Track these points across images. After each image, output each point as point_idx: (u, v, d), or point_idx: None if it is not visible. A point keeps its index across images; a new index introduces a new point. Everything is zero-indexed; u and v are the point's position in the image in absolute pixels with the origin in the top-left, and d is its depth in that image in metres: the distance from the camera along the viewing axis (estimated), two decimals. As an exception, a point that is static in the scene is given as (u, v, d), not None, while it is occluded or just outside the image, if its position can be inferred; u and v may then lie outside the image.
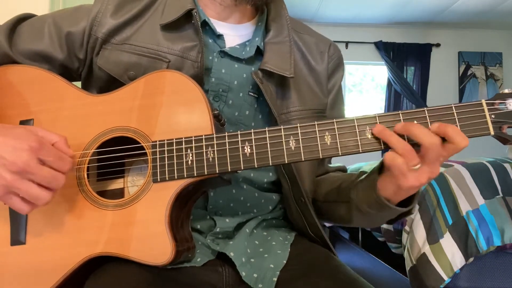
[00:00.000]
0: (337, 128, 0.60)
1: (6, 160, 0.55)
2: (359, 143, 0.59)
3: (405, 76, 4.92)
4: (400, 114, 0.59)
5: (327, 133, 0.60)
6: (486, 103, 0.58)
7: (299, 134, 0.61)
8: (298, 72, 0.81)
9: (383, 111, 4.91)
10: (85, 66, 0.77)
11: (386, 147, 0.59)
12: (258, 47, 0.78)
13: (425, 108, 0.59)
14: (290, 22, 0.82)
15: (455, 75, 5.03)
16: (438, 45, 5.05)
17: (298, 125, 0.61)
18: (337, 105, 0.88)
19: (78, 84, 0.78)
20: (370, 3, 4.41)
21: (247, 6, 0.79)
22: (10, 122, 0.69)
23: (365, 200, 0.68)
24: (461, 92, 4.97)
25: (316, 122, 0.61)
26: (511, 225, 1.53)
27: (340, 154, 0.60)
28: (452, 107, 0.58)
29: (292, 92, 0.79)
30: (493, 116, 0.57)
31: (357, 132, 0.60)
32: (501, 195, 1.60)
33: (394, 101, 4.91)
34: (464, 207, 1.57)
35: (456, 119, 0.58)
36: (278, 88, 0.78)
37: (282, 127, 0.61)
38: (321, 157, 0.60)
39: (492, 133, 0.57)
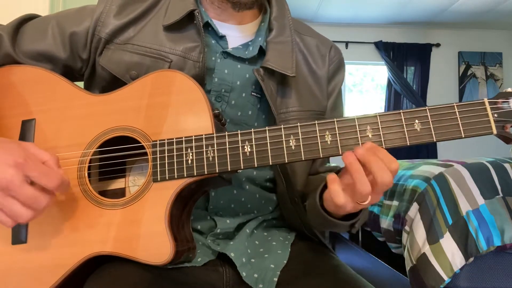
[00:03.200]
0: (337, 127, 0.60)
1: None
2: (360, 143, 0.59)
3: (405, 76, 4.92)
4: (402, 113, 0.59)
5: (327, 132, 0.60)
6: (488, 102, 0.57)
7: (299, 133, 0.61)
8: (299, 73, 0.81)
9: (383, 111, 4.93)
10: (88, 66, 0.78)
11: (388, 147, 0.59)
12: (261, 47, 0.78)
13: (426, 107, 0.59)
14: (292, 23, 0.82)
15: (455, 75, 5.03)
16: (438, 45, 5.05)
17: (299, 124, 0.61)
18: (338, 107, 0.88)
19: (80, 84, 0.78)
20: (370, 3, 4.41)
21: (247, 11, 0.79)
22: (12, 122, 0.70)
23: (312, 209, 0.69)
24: (461, 92, 4.97)
25: (316, 122, 0.61)
26: (511, 225, 1.53)
27: (340, 154, 0.59)
28: (454, 106, 0.58)
29: (292, 92, 0.79)
30: (495, 115, 0.57)
31: (358, 131, 0.59)
32: (501, 195, 1.60)
33: (394, 101, 4.91)
34: (464, 207, 1.57)
35: (458, 118, 0.57)
36: (278, 87, 0.78)
37: (282, 126, 0.61)
38: (321, 156, 0.60)
39: (495, 132, 0.57)
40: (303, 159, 0.60)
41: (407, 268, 1.62)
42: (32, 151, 0.60)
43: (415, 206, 1.66)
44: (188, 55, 0.74)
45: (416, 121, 0.58)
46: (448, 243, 1.52)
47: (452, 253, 1.51)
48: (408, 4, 4.41)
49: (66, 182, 0.61)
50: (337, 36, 4.80)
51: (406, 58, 4.96)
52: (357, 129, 0.60)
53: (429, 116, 0.58)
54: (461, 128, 0.57)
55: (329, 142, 0.60)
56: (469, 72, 5.01)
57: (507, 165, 1.70)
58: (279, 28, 0.80)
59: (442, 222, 1.56)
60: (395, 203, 1.86)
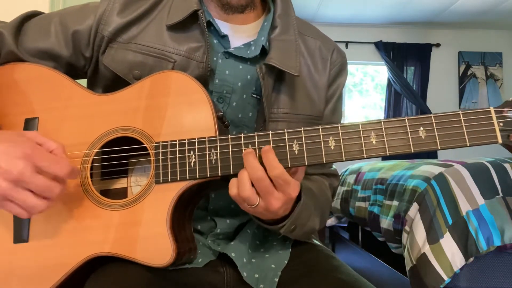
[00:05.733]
0: (341, 132, 0.59)
1: (1, 169, 0.54)
2: (364, 149, 0.59)
3: (405, 76, 4.91)
4: (406, 120, 0.58)
5: (331, 138, 0.60)
6: (494, 110, 0.57)
7: (303, 138, 0.60)
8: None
9: (383, 111, 4.92)
10: (91, 64, 0.77)
11: (392, 153, 0.59)
12: (263, 47, 0.76)
13: (431, 115, 0.58)
14: (296, 23, 0.81)
15: (455, 75, 5.02)
16: (438, 45, 5.04)
17: (302, 128, 0.60)
18: (337, 111, 0.87)
19: (84, 81, 0.78)
20: (370, 3, 4.41)
21: (238, 13, 0.78)
22: (15, 120, 0.70)
23: None
24: (461, 92, 4.97)
25: (320, 126, 0.60)
26: (511, 225, 1.53)
27: (344, 159, 0.59)
28: (459, 114, 0.57)
29: (287, 93, 0.78)
30: (501, 124, 0.56)
31: (362, 137, 0.59)
32: (501, 195, 1.60)
33: (394, 101, 4.90)
34: (464, 207, 1.57)
35: (463, 126, 0.57)
36: (275, 86, 0.77)
37: (286, 130, 0.61)
38: (324, 161, 0.60)
39: (500, 141, 0.57)
40: (306, 164, 0.60)
41: (407, 268, 1.63)
42: (39, 140, 0.60)
43: (415, 206, 1.66)
44: (192, 55, 0.73)
45: (421, 128, 0.58)
46: (448, 243, 1.52)
47: (452, 253, 1.51)
48: (408, 4, 4.41)
49: (76, 169, 0.61)
50: (337, 36, 4.79)
51: (406, 58, 4.96)
52: (361, 135, 0.59)
53: (434, 123, 0.58)
54: (466, 137, 0.57)
55: (332, 148, 0.59)
56: (469, 72, 5.00)
57: (507, 165, 1.70)
58: (283, 27, 0.79)
59: (442, 222, 1.56)
60: (395, 203, 1.86)
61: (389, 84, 4.94)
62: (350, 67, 5.05)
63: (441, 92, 4.95)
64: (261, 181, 0.59)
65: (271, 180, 0.59)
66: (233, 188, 0.60)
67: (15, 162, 0.55)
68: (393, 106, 4.88)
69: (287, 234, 0.69)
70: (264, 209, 0.61)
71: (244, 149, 0.61)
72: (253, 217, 0.68)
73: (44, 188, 0.57)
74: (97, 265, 0.65)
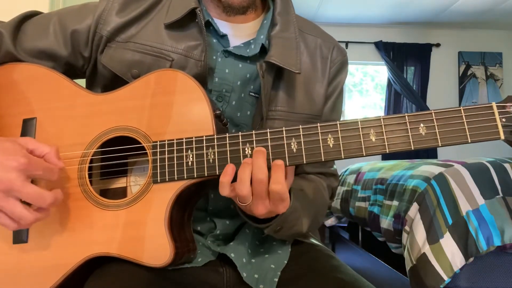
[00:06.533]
0: (340, 130, 0.59)
1: None
2: (363, 146, 0.58)
3: (405, 76, 4.91)
4: (406, 117, 0.58)
5: (329, 136, 0.59)
6: (496, 106, 0.56)
7: (301, 136, 0.60)
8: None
9: (383, 111, 4.92)
10: (90, 64, 0.77)
11: (392, 151, 0.58)
12: (263, 45, 0.76)
13: (432, 111, 0.57)
14: (296, 21, 0.80)
15: (455, 75, 5.02)
16: (438, 45, 5.04)
17: (300, 126, 0.60)
18: (337, 108, 0.86)
19: (82, 81, 0.78)
20: (370, 3, 4.41)
21: (240, 15, 0.77)
22: (13, 121, 0.70)
23: None
24: (461, 92, 4.96)
25: (318, 124, 0.60)
26: (511, 225, 1.53)
27: (342, 157, 0.58)
28: (461, 109, 0.56)
29: (286, 92, 0.77)
30: (503, 119, 0.55)
31: (361, 135, 0.58)
32: (501, 195, 1.60)
33: (394, 101, 4.90)
34: (464, 207, 1.57)
35: (465, 123, 0.56)
36: (275, 84, 0.76)
37: (284, 128, 0.60)
38: (323, 160, 0.59)
39: (502, 137, 0.55)
40: (304, 162, 0.59)
41: (407, 268, 1.63)
42: (31, 147, 0.60)
43: (415, 206, 1.66)
44: (190, 53, 0.73)
45: (421, 125, 0.57)
46: (448, 243, 1.52)
47: (452, 253, 1.51)
48: (408, 4, 4.41)
49: (67, 175, 0.63)
50: (337, 36, 4.73)
51: (406, 58, 4.96)
52: (360, 132, 0.58)
53: (434, 120, 0.57)
54: (468, 133, 0.56)
55: (331, 146, 0.59)
56: (469, 72, 5.00)
57: (507, 165, 1.70)
58: (284, 24, 0.78)
59: (442, 222, 1.56)
60: (395, 203, 1.86)
61: (389, 84, 4.94)
62: (350, 67, 5.04)
63: (441, 92, 4.94)
64: (261, 185, 0.58)
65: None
66: (225, 175, 0.60)
67: (7, 172, 0.55)
68: (393, 106, 4.88)
69: (271, 233, 0.68)
70: (248, 209, 0.61)
71: (243, 148, 0.61)
72: (238, 208, 0.67)
73: (36, 196, 0.57)
74: (96, 265, 0.65)
